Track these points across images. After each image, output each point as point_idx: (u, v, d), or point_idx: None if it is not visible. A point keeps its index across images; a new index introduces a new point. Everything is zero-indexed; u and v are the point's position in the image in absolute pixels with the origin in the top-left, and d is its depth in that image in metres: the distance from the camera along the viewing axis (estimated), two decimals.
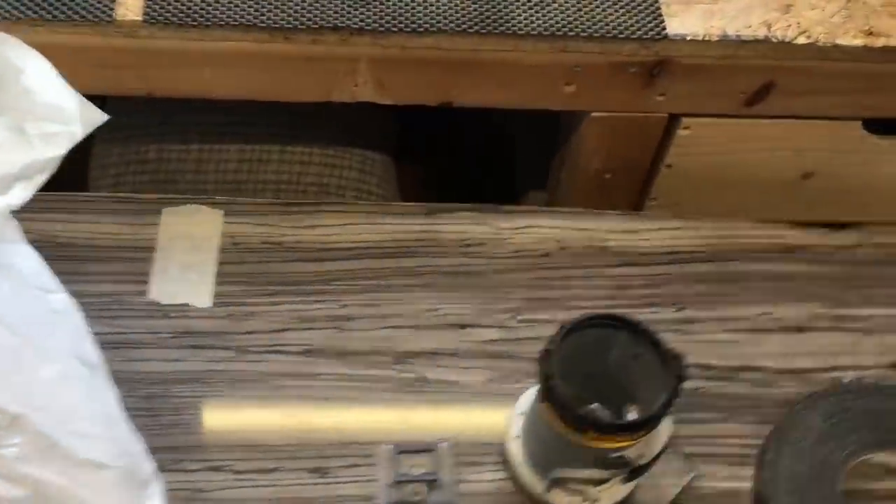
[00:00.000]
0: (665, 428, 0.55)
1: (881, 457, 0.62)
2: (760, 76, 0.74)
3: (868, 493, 0.61)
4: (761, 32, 0.71)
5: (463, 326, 0.68)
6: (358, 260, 0.71)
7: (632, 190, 0.87)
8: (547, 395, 0.52)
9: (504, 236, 0.73)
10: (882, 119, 0.82)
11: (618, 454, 0.53)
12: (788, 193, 0.89)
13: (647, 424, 0.51)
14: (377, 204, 0.80)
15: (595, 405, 0.56)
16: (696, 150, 0.83)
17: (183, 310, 0.67)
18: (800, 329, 0.69)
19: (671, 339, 0.67)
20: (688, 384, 0.65)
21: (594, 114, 0.78)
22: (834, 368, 0.67)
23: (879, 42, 0.71)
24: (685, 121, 0.79)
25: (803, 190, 0.88)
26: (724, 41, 0.70)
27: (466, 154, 1.22)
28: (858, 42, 0.71)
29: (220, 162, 0.92)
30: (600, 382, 0.56)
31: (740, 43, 0.71)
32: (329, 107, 0.83)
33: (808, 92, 0.76)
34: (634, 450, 0.53)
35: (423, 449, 0.58)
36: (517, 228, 0.74)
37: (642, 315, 0.69)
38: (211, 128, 0.94)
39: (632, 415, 0.55)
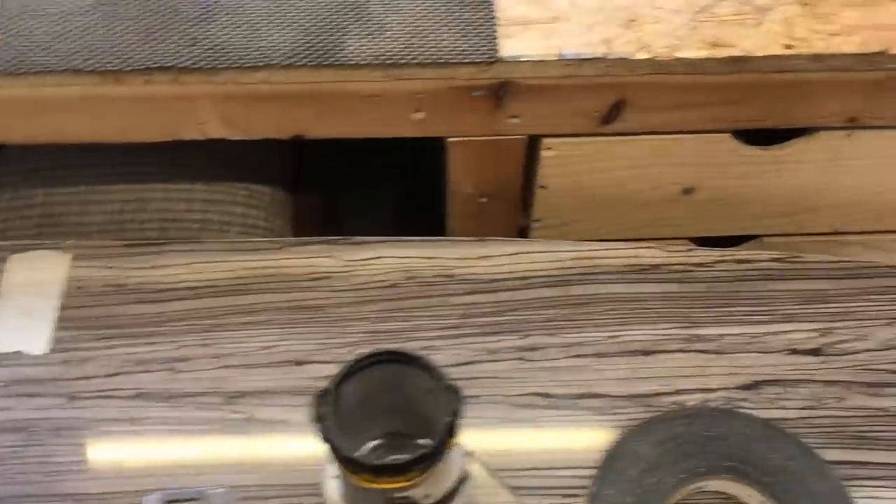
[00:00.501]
0: (457, 463, 0.53)
1: (716, 484, 0.60)
2: (610, 94, 0.73)
3: None
4: (600, 50, 0.69)
5: (299, 363, 0.67)
6: (197, 299, 0.70)
7: (510, 213, 0.86)
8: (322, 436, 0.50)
9: (351, 269, 0.72)
10: (762, 130, 0.79)
11: (402, 495, 0.51)
12: (673, 210, 0.87)
13: (419, 464, 0.50)
14: (228, 241, 0.79)
15: (376, 443, 0.55)
16: (566, 171, 0.81)
17: (17, 357, 0.67)
18: (646, 352, 0.67)
19: (512, 368, 0.67)
20: (525, 414, 0.65)
21: (451, 139, 0.77)
22: (679, 392, 0.65)
23: (724, 53, 0.69)
24: (546, 142, 0.78)
25: (688, 205, 0.86)
26: (563, 61, 0.69)
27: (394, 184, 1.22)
28: (702, 54, 0.69)
29: (104, 203, 0.92)
30: (399, 420, 0.55)
31: (580, 62, 0.69)
32: (214, 143, 0.83)
33: (664, 107, 0.74)
34: (420, 490, 0.51)
35: (192, 497, 0.57)
36: (365, 260, 0.73)
37: (486, 343, 0.69)
38: (97, 169, 0.94)
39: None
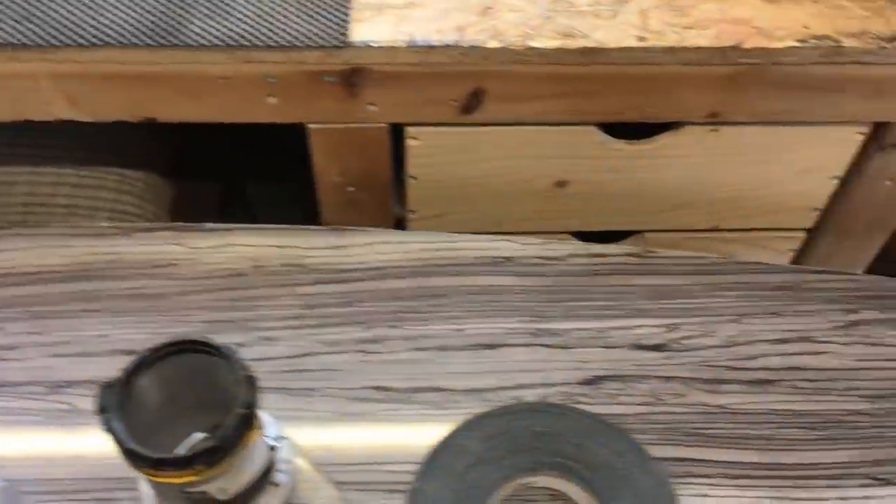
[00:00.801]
0: (260, 456, 0.51)
1: (543, 480, 0.59)
2: (466, 83, 0.72)
3: None
4: (451, 37, 0.68)
5: (131, 353, 0.65)
6: (32, 286, 0.68)
7: (383, 203, 0.84)
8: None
9: (197, 256, 0.70)
10: (631, 124, 0.79)
11: (197, 489, 0.50)
12: (549, 203, 0.86)
13: (204, 458, 0.48)
14: (72, 226, 0.77)
15: (203, 436, 0.53)
16: (434, 161, 0.80)
17: None
18: (490, 346, 0.66)
19: (352, 360, 0.65)
20: (360, 408, 0.63)
21: (312, 126, 0.75)
22: (519, 387, 0.64)
23: (576, 43, 0.68)
24: (410, 131, 0.76)
25: (563, 199, 0.85)
26: (413, 48, 0.67)
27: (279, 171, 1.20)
28: (555, 44, 0.68)
29: None
30: (221, 412, 0.53)
31: (430, 48, 0.68)
32: (88, 125, 0.80)
33: (523, 97, 0.73)
34: (213, 484, 0.50)
35: None
36: (214, 247, 0.71)
37: (328, 335, 0.67)
38: None
39: None
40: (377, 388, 0.63)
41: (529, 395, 0.63)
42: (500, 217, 0.88)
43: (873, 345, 0.67)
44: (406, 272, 0.70)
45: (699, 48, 0.69)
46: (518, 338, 0.66)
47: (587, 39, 0.68)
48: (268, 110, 0.73)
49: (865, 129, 0.79)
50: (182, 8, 0.68)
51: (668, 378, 0.64)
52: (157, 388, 0.51)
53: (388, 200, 0.85)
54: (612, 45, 0.68)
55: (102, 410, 0.49)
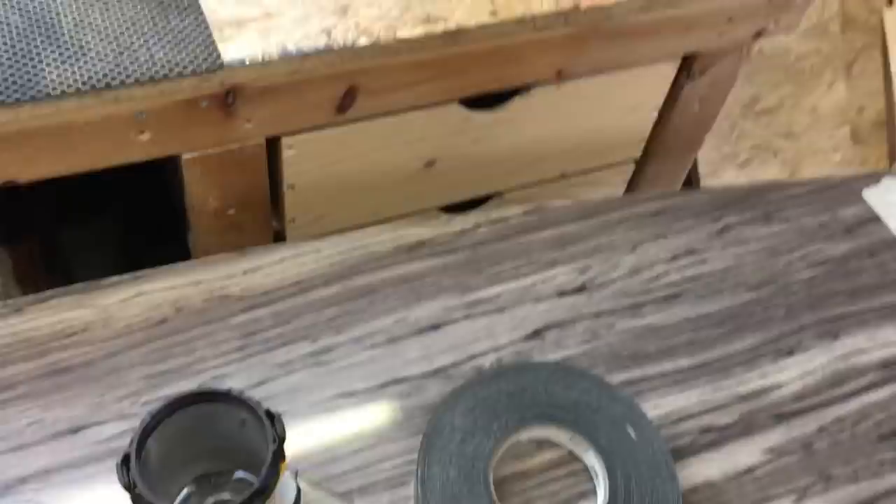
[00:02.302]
0: (289, 486, 0.51)
1: (528, 433, 0.63)
2: (340, 83, 0.73)
3: (523, 474, 0.62)
4: (321, 41, 0.69)
5: (76, 430, 0.60)
6: None
7: (263, 219, 0.83)
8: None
9: (109, 314, 0.66)
10: (482, 95, 0.83)
11: None
12: (419, 183, 0.89)
13: (256, 499, 0.47)
14: None
15: (188, 490, 0.51)
16: (311, 166, 0.80)
17: None
18: (435, 326, 0.69)
19: (310, 375, 0.65)
20: (334, 417, 0.64)
21: (185, 156, 0.72)
22: (473, 357, 0.67)
23: (439, 27, 0.72)
24: (286, 141, 0.76)
25: (432, 177, 0.89)
26: (286, 58, 0.67)
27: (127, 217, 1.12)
28: (419, 31, 0.71)
29: None
30: (206, 461, 0.52)
31: (303, 56, 0.68)
32: None
33: (394, 87, 0.76)
34: None
35: None
36: (125, 300, 0.67)
37: (276, 357, 0.66)
38: None
39: None
40: (344, 395, 0.64)
41: (486, 362, 0.67)
42: (376, 207, 0.90)
43: (741, 244, 0.78)
44: (330, 278, 0.70)
45: (545, 15, 0.75)
46: (456, 312, 0.70)
47: (448, 22, 0.72)
48: (140, 148, 0.69)
49: (678, 63, 0.90)
50: (30, 58, 0.62)
51: (596, 314, 0.71)
52: (157, 449, 0.49)
53: (268, 216, 0.83)
54: (472, 23, 0.72)
55: (130, 488, 0.46)
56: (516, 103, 0.85)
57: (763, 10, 0.86)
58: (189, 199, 0.78)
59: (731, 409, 0.67)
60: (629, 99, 0.91)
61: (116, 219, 1.17)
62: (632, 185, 1.06)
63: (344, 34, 0.69)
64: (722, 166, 1.42)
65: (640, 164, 1.03)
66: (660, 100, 0.94)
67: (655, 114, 0.96)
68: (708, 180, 1.41)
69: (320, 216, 0.86)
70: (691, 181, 1.41)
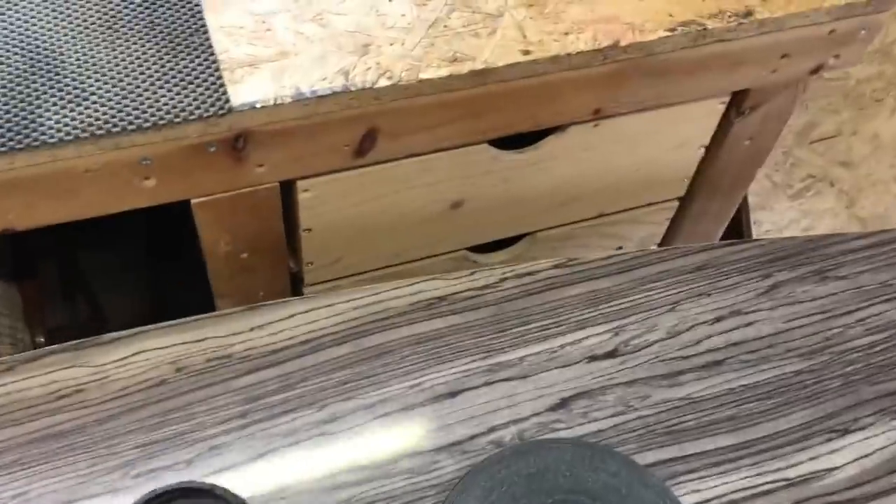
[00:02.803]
0: None
1: None
2: (359, 126, 0.68)
3: None
4: (338, 83, 0.64)
5: None
6: None
7: (278, 262, 0.79)
8: None
9: (106, 374, 0.62)
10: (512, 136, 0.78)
11: None
12: (445, 225, 0.84)
13: None
14: None
15: None
16: (328, 209, 0.75)
17: None
18: (453, 394, 0.63)
19: (315, 447, 0.60)
20: (342, 496, 0.59)
21: (194, 201, 0.68)
22: (493, 429, 0.62)
23: (465, 68, 0.67)
24: (301, 184, 0.72)
25: (459, 218, 0.84)
26: (300, 101, 0.63)
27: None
28: (444, 72, 0.66)
29: None
30: None
31: (318, 99, 0.63)
32: None
33: (417, 129, 0.71)
34: None
35: None
36: (122, 360, 0.63)
37: (281, 426, 0.62)
38: None
39: None
40: (352, 470, 0.59)
41: (505, 436, 0.62)
42: (398, 249, 0.85)
43: (792, 304, 0.71)
44: (342, 337, 0.65)
45: (581, 52, 0.69)
46: (476, 378, 0.64)
47: (475, 62, 0.67)
48: (145, 194, 0.65)
49: (726, 99, 0.84)
50: (29, 101, 0.59)
51: (629, 383, 0.65)
52: None
53: (283, 259, 0.79)
54: (501, 63, 0.67)
55: None
56: (550, 143, 0.79)
57: (822, 45, 0.79)
58: (202, 243, 0.74)
59: (778, 496, 0.60)
60: (673, 136, 0.85)
61: (138, 239, 1.14)
62: (675, 224, 0.99)
63: (363, 75, 0.65)
64: (774, 196, 1.34)
65: (685, 201, 0.96)
66: (707, 137, 0.87)
67: (702, 151, 0.89)
68: (758, 213, 1.33)
69: (339, 259, 0.82)
70: (741, 214, 1.34)
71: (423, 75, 0.65)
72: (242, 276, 0.78)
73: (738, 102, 0.84)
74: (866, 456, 0.63)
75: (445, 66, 0.66)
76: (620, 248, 1.00)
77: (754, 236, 1.34)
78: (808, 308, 0.71)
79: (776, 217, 1.35)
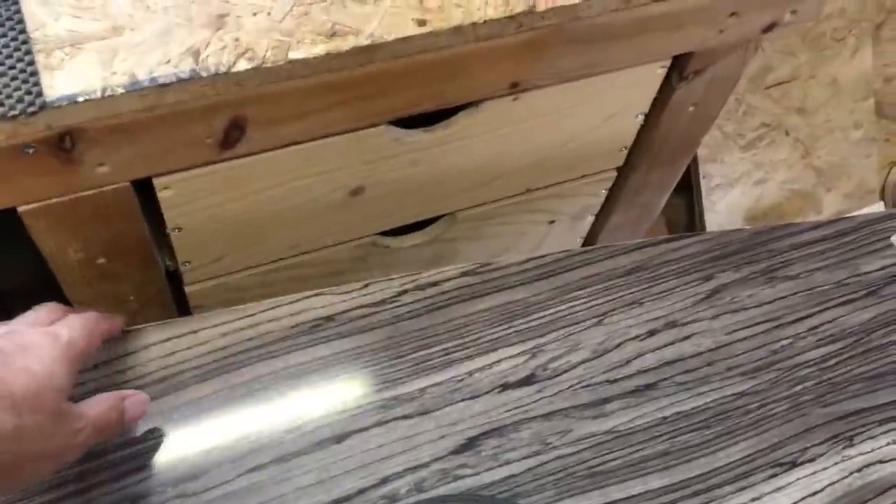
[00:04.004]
0: None
1: None
2: (220, 116, 0.56)
3: None
4: (186, 67, 0.52)
5: None
6: None
7: (145, 265, 0.68)
8: None
9: None
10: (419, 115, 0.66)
11: None
12: (346, 214, 0.73)
13: None
14: None
15: None
16: (199, 205, 0.64)
17: None
18: (338, 439, 0.54)
19: None
20: None
21: (22, 208, 0.57)
22: (386, 481, 0.52)
23: (347, 44, 0.55)
24: (159, 182, 0.60)
25: (362, 205, 0.73)
26: (137, 91, 0.51)
27: None
28: (320, 50, 0.54)
29: None
30: None
31: (160, 88, 0.51)
32: None
33: (296, 115, 0.59)
34: None
35: None
36: None
37: (127, 488, 0.52)
38: None
39: None
40: None
41: (402, 488, 0.52)
42: (295, 240, 0.74)
43: (736, 311, 0.62)
44: (206, 372, 0.55)
45: (489, 21, 0.57)
46: (367, 417, 0.55)
47: (359, 36, 0.55)
48: None
49: (667, 63, 0.73)
50: None
51: (547, 415, 0.56)
52: None
53: (153, 261, 0.68)
54: (391, 37, 0.55)
55: None
56: (462, 120, 0.68)
57: (776, 0, 0.68)
58: (43, 251, 0.62)
59: None
60: (607, 106, 0.74)
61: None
62: (613, 195, 0.89)
63: (217, 56, 0.52)
64: (725, 148, 1.24)
65: (624, 172, 0.86)
66: (646, 104, 0.76)
67: (641, 119, 0.78)
68: (707, 165, 1.24)
69: (221, 257, 0.71)
70: (689, 170, 1.24)
71: (294, 55, 0.53)
72: (104, 283, 0.67)
73: (680, 67, 0.73)
74: (814, 494, 0.55)
75: (322, 42, 0.54)
76: (553, 222, 0.90)
77: (703, 192, 1.25)
78: (754, 316, 0.62)
79: (727, 170, 1.26)
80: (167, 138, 0.56)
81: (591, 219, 0.94)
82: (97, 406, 0.47)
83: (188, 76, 0.51)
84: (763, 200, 1.32)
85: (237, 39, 0.53)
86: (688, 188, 1.31)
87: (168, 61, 0.51)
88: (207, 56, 0.52)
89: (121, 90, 0.50)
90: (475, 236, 0.88)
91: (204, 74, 0.52)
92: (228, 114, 0.56)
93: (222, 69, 0.52)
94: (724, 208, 1.29)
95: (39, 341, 0.44)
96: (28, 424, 0.41)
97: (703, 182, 1.25)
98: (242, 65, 0.52)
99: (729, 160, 1.25)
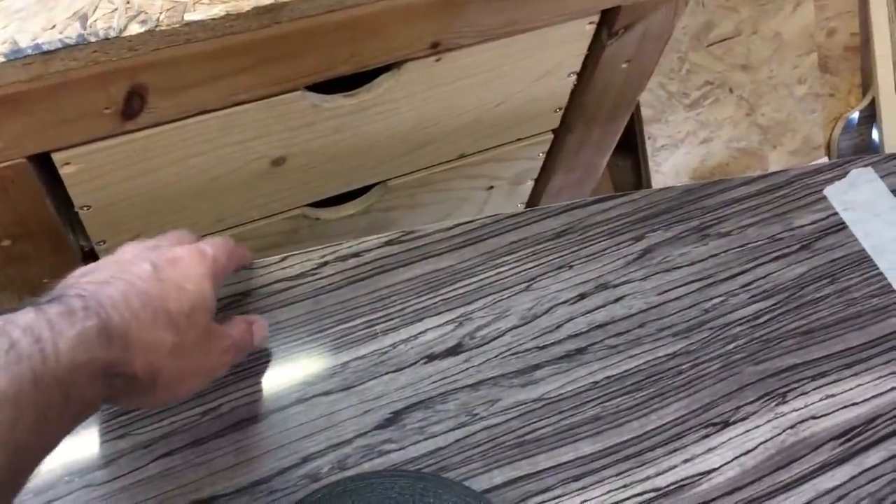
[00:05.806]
0: None
1: None
2: (117, 85, 0.53)
3: None
4: (72, 33, 0.48)
5: None
6: None
7: (55, 245, 0.65)
8: None
9: None
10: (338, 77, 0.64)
11: None
12: (269, 184, 0.70)
13: None
14: None
15: None
16: (106, 181, 0.61)
17: None
18: (256, 418, 0.51)
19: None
20: None
21: None
22: (308, 459, 0.50)
23: (247, 4, 0.52)
24: (58, 157, 0.57)
25: (285, 175, 0.70)
26: (21, 59, 0.47)
27: None
28: (218, 11, 0.51)
29: None
30: None
31: (46, 56, 0.48)
32: None
33: (201, 81, 0.56)
34: None
35: None
36: None
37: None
38: None
39: None
40: None
41: (324, 466, 0.50)
42: (219, 214, 0.71)
43: (668, 270, 0.60)
44: None
45: None
46: (287, 396, 0.52)
47: None
48: None
49: (595, 19, 0.70)
50: None
51: (474, 385, 0.54)
52: None
53: (64, 242, 0.65)
54: None
55: None
56: (384, 83, 0.65)
57: None
58: None
59: None
60: (535, 66, 0.72)
61: None
62: (552, 157, 0.87)
63: (107, 20, 0.49)
64: (669, 107, 1.23)
65: (561, 133, 0.84)
66: (577, 63, 0.74)
67: (573, 78, 0.76)
68: (652, 126, 1.22)
69: (138, 234, 0.67)
70: (634, 130, 1.22)
71: (190, 16, 0.50)
72: (12, 266, 0.64)
73: (609, 22, 0.71)
74: (748, 453, 0.54)
75: (220, 2, 0.51)
76: (492, 187, 0.88)
77: (648, 153, 1.23)
78: (686, 275, 0.60)
79: (672, 130, 1.25)
80: (61, 110, 0.53)
81: (531, 183, 0.92)
82: (237, 326, 0.48)
83: (75, 42, 0.48)
84: (709, 160, 1.31)
85: (128, 2, 0.50)
86: (633, 149, 1.29)
87: (53, 27, 0.48)
88: (96, 20, 0.49)
89: (1, 59, 0.47)
90: (412, 204, 0.85)
91: (93, 40, 0.49)
92: (126, 82, 0.53)
93: (112, 34, 0.49)
94: (670, 169, 1.28)
95: (188, 257, 0.44)
96: (186, 342, 0.41)
97: (648, 143, 1.24)
98: (135, 28, 0.49)
99: (673, 120, 1.24)
